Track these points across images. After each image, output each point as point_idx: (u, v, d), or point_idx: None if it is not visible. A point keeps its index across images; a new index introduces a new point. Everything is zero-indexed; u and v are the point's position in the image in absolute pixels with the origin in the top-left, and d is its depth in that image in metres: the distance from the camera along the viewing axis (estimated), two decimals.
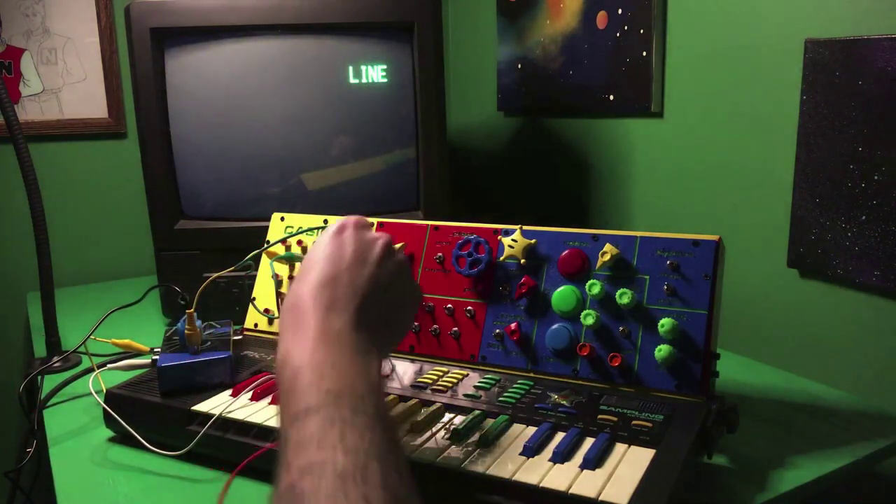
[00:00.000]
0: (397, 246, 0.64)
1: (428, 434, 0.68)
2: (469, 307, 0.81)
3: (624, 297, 0.73)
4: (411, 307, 0.65)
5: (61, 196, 1.53)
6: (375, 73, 1.15)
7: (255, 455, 0.65)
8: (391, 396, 0.76)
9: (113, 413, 0.78)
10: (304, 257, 0.61)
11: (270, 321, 0.92)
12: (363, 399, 0.47)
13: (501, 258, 0.81)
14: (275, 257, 0.91)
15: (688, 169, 1.21)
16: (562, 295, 0.77)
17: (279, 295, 0.92)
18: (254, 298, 0.93)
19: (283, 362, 0.50)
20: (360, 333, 0.54)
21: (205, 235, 1.15)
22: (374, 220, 0.89)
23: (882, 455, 0.76)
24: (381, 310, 0.58)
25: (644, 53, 1.23)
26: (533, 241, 0.80)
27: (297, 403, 0.46)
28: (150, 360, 0.90)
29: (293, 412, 0.46)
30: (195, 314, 0.83)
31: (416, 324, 0.83)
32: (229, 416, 0.73)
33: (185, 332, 0.82)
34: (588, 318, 0.74)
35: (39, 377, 0.97)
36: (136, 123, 1.15)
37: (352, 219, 0.63)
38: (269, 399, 0.76)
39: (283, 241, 0.93)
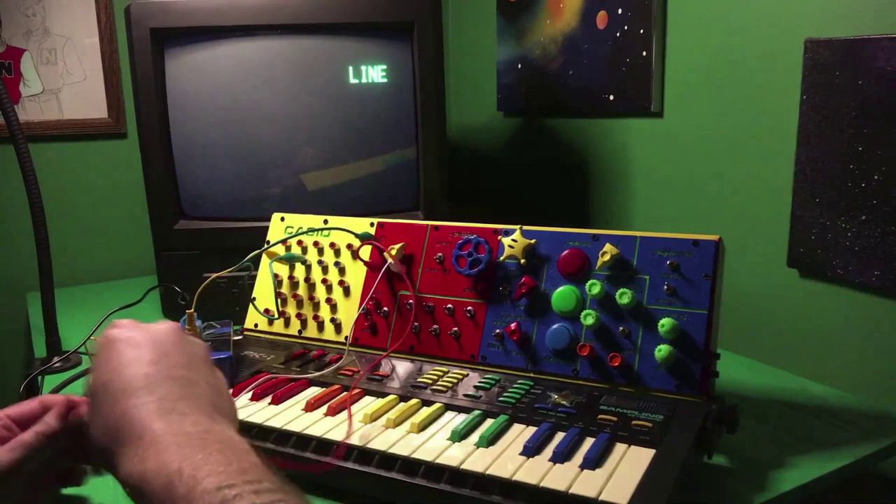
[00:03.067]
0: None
1: (428, 434, 0.68)
2: (469, 307, 0.81)
3: (624, 297, 0.73)
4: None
5: (61, 196, 1.53)
6: (375, 73, 1.15)
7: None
8: (392, 397, 0.76)
9: None
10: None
11: (270, 321, 0.92)
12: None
13: (501, 258, 0.81)
14: (275, 257, 0.91)
15: (688, 169, 1.21)
16: (562, 295, 0.77)
17: (279, 295, 0.92)
18: (254, 298, 0.93)
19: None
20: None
21: (205, 235, 1.15)
22: (373, 221, 0.89)
23: (882, 455, 0.76)
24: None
25: (644, 53, 1.23)
26: (533, 241, 0.80)
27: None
28: None
29: None
30: (195, 314, 0.83)
31: (416, 324, 0.83)
32: None
33: (186, 332, 0.82)
34: (588, 318, 0.74)
35: (39, 377, 0.98)
36: (136, 123, 1.15)
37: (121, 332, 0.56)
38: (269, 399, 0.76)
39: (283, 241, 0.93)
